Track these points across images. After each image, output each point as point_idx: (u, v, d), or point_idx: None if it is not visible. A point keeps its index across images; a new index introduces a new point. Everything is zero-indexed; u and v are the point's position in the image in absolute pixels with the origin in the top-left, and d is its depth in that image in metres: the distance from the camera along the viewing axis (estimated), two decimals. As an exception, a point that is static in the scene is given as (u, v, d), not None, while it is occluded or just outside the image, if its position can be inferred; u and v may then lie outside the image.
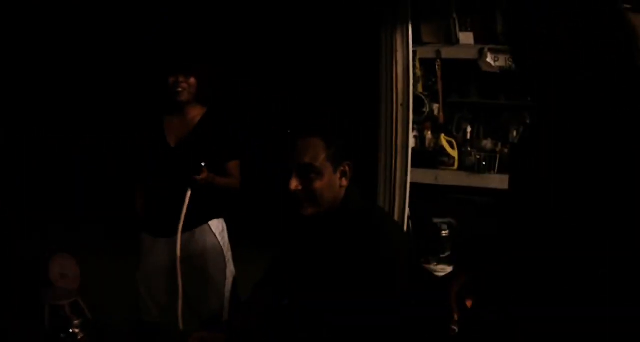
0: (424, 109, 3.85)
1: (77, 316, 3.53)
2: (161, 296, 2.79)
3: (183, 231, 2.65)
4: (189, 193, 2.60)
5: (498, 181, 3.76)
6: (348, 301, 1.69)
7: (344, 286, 1.71)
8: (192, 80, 2.67)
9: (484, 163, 3.80)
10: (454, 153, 3.84)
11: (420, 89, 3.86)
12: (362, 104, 3.93)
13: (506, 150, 3.83)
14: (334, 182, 1.84)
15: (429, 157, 3.89)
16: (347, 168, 1.87)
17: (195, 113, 2.76)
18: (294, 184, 1.80)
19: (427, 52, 3.86)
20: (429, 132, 3.91)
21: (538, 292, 1.42)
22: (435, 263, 3.65)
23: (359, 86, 4.07)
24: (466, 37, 3.83)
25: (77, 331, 2.23)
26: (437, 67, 3.85)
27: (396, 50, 3.66)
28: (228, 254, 2.84)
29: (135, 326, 2.88)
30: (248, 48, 4.66)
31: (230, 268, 2.84)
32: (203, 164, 2.58)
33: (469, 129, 3.91)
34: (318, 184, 1.80)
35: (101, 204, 4.93)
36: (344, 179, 1.87)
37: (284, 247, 2.06)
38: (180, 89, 2.65)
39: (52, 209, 4.95)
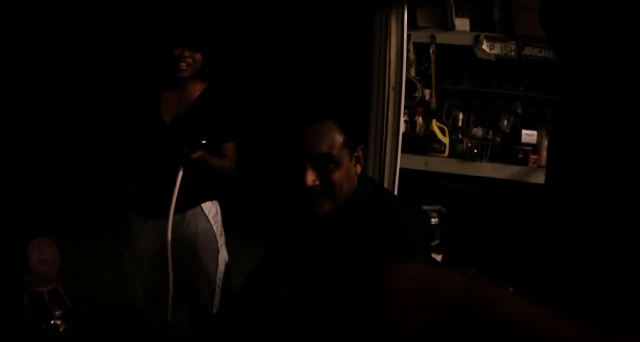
0: (416, 94, 3.79)
1: (57, 304, 3.44)
2: (149, 280, 2.66)
3: (174, 213, 2.48)
4: (181, 172, 2.45)
5: (489, 169, 3.76)
6: (361, 299, 1.55)
7: (359, 283, 1.57)
8: (198, 56, 2.48)
9: (475, 151, 3.76)
10: (445, 140, 3.79)
11: (412, 73, 3.80)
12: (353, 86, 3.83)
13: (498, 139, 3.81)
14: (350, 170, 1.62)
15: (419, 142, 3.84)
16: (360, 153, 1.66)
17: (195, 89, 2.58)
18: (311, 177, 1.54)
19: (422, 36, 3.80)
20: (420, 118, 3.86)
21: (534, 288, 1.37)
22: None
23: (351, 68, 3.97)
24: (462, 24, 3.78)
25: (58, 322, 2.15)
26: (431, 52, 3.78)
27: (390, 33, 3.57)
28: (221, 239, 2.69)
29: (120, 311, 2.80)
30: (242, 30, 4.51)
31: (223, 254, 2.69)
32: (203, 142, 2.43)
33: (460, 116, 3.86)
34: (337, 175, 1.56)
35: (100, 203, 4.80)
36: (358, 166, 1.66)
37: (282, 240, 1.87)
38: (184, 64, 2.46)
39: (51, 208, 4.83)
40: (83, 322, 2.37)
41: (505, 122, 3.83)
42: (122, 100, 2.66)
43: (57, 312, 2.16)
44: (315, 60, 4.30)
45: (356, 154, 1.65)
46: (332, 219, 1.62)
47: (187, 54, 2.45)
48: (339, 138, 1.58)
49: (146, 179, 2.58)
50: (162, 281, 2.55)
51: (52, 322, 2.14)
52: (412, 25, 3.74)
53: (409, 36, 3.67)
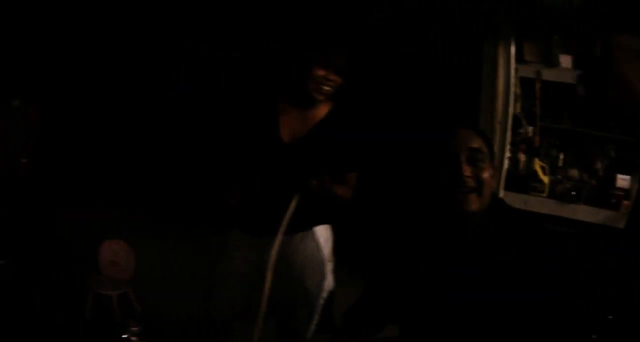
0: (521, 130, 3.62)
1: (128, 312, 3.33)
2: (240, 297, 2.52)
3: (283, 234, 2.34)
4: (297, 197, 2.30)
5: (585, 213, 3.58)
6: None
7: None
8: (339, 79, 2.31)
9: (573, 192, 3.60)
10: (546, 179, 3.64)
11: (518, 109, 3.64)
12: (460, 117, 3.68)
13: (593, 182, 3.63)
14: (492, 180, 1.63)
15: (520, 180, 3.70)
16: (494, 171, 1.67)
17: (320, 110, 2.40)
18: (468, 169, 1.56)
19: (528, 71, 3.65)
20: (523, 155, 3.69)
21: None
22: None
23: (459, 100, 3.82)
24: (565, 60, 3.61)
25: (134, 339, 2.00)
26: (536, 88, 3.61)
27: (498, 65, 3.45)
28: (329, 265, 2.50)
29: (198, 324, 2.68)
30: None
31: (329, 280, 2.50)
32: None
33: (561, 156, 3.69)
34: (486, 174, 1.58)
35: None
36: (493, 181, 1.66)
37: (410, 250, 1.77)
38: (327, 88, 2.29)
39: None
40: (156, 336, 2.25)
41: (599, 164, 3.64)
42: (240, 112, 2.52)
43: (134, 328, 2.02)
44: (424, 89, 4.14)
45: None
46: (478, 221, 1.62)
47: (332, 77, 2.29)
48: (483, 144, 1.62)
49: (255, 196, 2.43)
50: (254, 298, 2.40)
51: (124, 336, 2.00)
52: (519, 58, 3.60)
53: (516, 70, 3.55)
